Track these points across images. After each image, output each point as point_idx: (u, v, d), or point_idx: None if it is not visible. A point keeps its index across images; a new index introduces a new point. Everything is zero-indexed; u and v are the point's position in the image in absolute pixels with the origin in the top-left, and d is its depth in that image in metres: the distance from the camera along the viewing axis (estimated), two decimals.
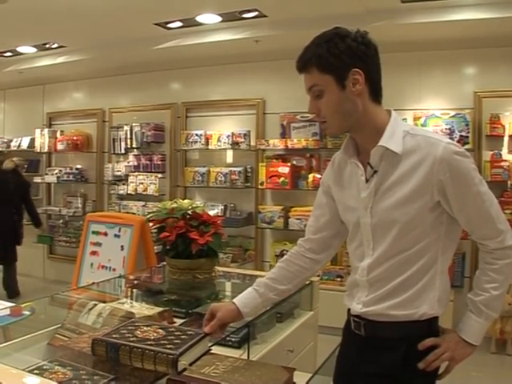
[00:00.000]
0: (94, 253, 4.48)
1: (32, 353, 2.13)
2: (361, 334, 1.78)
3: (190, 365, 1.64)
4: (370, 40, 1.70)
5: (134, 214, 6.30)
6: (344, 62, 1.65)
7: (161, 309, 2.53)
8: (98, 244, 4.46)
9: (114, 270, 4.31)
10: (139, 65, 6.69)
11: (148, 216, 3.24)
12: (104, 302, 2.74)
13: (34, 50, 6.63)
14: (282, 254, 5.66)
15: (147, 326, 1.89)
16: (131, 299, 2.74)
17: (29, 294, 6.92)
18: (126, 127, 6.94)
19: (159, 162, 6.78)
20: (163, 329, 1.86)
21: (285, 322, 2.68)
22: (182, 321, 2.47)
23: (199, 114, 6.66)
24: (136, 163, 6.92)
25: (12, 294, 6.83)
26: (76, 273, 4.56)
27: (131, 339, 1.74)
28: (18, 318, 3.67)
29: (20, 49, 6.60)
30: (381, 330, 1.72)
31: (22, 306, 3.76)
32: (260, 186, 6.02)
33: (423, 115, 5.36)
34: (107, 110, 7.37)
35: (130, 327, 1.87)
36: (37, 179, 7.70)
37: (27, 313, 3.61)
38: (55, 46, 6.46)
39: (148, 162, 6.84)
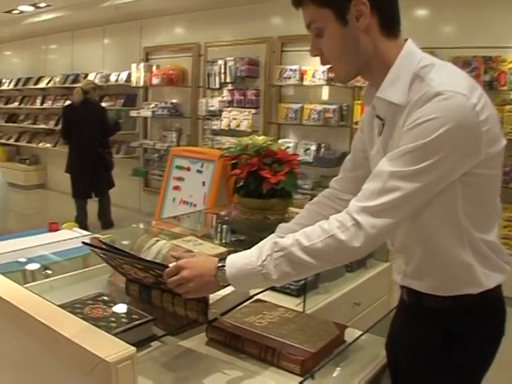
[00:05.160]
0: (176, 188, 4.45)
1: (92, 285, 2.08)
2: (406, 300, 1.56)
3: (222, 314, 1.50)
4: None
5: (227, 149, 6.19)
6: None
7: (225, 249, 2.42)
8: (181, 179, 4.43)
9: (195, 205, 4.27)
10: None
11: (222, 152, 3.09)
12: (173, 237, 2.68)
13: None
14: None
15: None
16: (198, 237, 2.63)
17: (122, 224, 7.05)
18: (220, 62, 6.80)
19: (253, 98, 6.62)
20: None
21: (355, 272, 2.46)
22: None
23: (295, 49, 6.34)
24: (230, 98, 6.80)
25: (106, 224, 7.00)
26: (159, 207, 4.57)
27: None
28: None
29: None
30: (425, 299, 1.47)
31: (102, 236, 3.81)
32: (355, 126, 5.67)
33: None
34: (203, 44, 7.23)
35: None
36: (133, 113, 7.77)
37: None
38: None
39: (242, 98, 6.70)
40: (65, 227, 4.35)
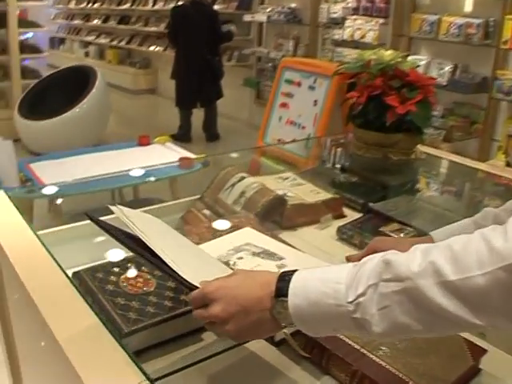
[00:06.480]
0: (283, 105, 3.92)
1: None
2: None
3: (294, 334, 0.94)
4: None
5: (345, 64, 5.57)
6: None
7: (328, 195, 1.87)
8: (290, 95, 3.88)
9: (303, 127, 3.75)
10: None
11: (337, 68, 2.48)
12: (269, 171, 2.19)
13: None
14: None
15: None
16: (298, 174, 2.10)
17: (229, 138, 6.77)
18: None
19: (382, 5, 5.80)
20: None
21: None
22: (357, 215, 1.80)
23: None
24: (355, 5, 6.02)
25: (211, 137, 6.69)
26: (262, 126, 4.10)
27: None
28: (186, 171, 3.34)
29: None
30: None
31: (195, 157, 3.42)
32: (502, 46, 4.79)
33: None
34: None
35: None
36: (247, 17, 7.16)
37: (198, 166, 3.27)
38: None
39: (369, 5, 5.90)
40: (157, 141, 3.99)
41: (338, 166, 2.39)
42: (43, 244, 1.23)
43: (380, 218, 1.73)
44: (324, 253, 1.53)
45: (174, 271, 0.89)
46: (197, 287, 0.89)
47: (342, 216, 1.84)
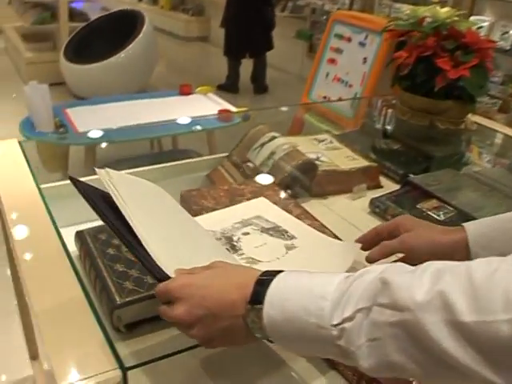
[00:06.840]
0: (332, 61, 3.73)
1: (177, 184, 1.53)
2: None
3: None
4: None
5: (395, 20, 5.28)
6: None
7: (366, 163, 1.74)
8: (339, 51, 3.68)
9: (350, 86, 3.56)
10: None
11: (387, 24, 2.29)
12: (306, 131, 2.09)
13: None
14: None
15: None
16: (335, 136, 1.96)
17: (278, 91, 6.63)
18: None
19: None
20: None
21: None
22: (395, 187, 1.66)
23: None
24: None
25: (259, 89, 6.51)
26: (309, 81, 3.92)
27: None
28: (224, 124, 3.24)
29: None
30: None
31: (235, 111, 3.32)
32: None
33: None
34: None
35: None
36: None
37: (237, 120, 3.18)
38: None
39: None
40: (198, 91, 3.87)
41: (379, 130, 2.23)
42: (43, 199, 1.14)
43: (419, 193, 1.58)
44: (352, 226, 1.41)
45: (146, 253, 0.77)
46: (168, 277, 0.75)
47: (378, 186, 1.71)
